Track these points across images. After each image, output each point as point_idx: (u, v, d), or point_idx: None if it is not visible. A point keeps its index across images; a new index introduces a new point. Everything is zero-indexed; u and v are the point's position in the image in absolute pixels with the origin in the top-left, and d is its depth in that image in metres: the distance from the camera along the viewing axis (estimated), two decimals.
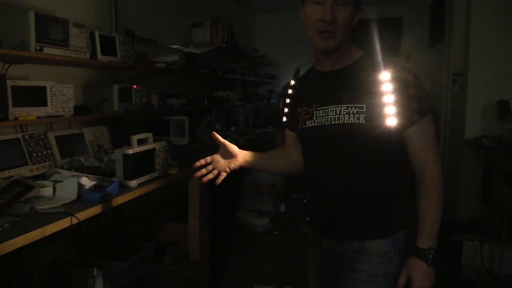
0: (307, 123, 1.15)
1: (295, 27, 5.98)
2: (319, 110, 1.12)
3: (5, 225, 1.22)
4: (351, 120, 1.06)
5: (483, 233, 2.64)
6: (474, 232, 2.74)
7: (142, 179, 1.79)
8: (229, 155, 1.30)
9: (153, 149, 1.87)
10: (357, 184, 1.10)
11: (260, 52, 5.45)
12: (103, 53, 2.23)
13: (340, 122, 1.07)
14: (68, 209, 1.40)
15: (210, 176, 1.29)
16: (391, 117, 1.04)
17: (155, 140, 1.91)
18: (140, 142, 1.83)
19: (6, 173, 1.69)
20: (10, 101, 1.74)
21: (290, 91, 1.25)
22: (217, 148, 1.33)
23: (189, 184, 2.37)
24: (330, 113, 1.10)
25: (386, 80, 1.04)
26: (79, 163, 1.97)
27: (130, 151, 1.71)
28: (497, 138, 2.90)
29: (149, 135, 1.89)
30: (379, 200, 1.11)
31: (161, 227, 2.67)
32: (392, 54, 5.59)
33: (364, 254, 1.11)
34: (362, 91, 1.07)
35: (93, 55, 2.19)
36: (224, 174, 1.30)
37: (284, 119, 1.28)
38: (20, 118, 1.78)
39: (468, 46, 3.27)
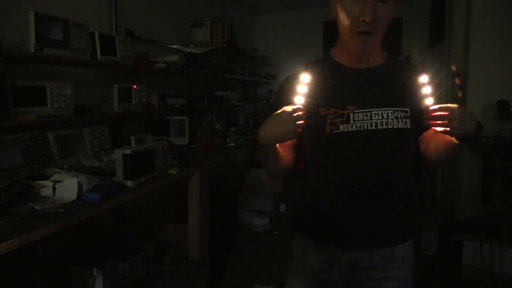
0: (341, 127, 1.01)
1: (295, 27, 5.99)
2: (358, 112, 1.01)
3: (5, 225, 1.22)
4: (400, 125, 1.00)
5: (483, 233, 2.64)
6: (474, 232, 2.74)
7: (142, 179, 1.79)
8: None
9: (153, 149, 1.87)
10: (394, 189, 1.06)
11: (260, 52, 5.45)
12: (103, 53, 2.23)
13: (389, 127, 1.00)
14: (68, 209, 1.40)
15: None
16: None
17: (155, 140, 1.91)
18: (140, 142, 1.83)
19: (6, 173, 1.69)
20: (10, 101, 1.74)
21: (303, 89, 1.02)
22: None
23: (189, 184, 2.37)
24: (375, 116, 1.00)
25: (426, 83, 1.02)
26: (79, 163, 1.97)
27: (130, 151, 1.71)
28: (497, 138, 2.90)
29: (149, 135, 1.89)
30: (407, 203, 1.09)
31: (161, 227, 2.67)
32: (392, 54, 5.58)
33: (396, 261, 1.08)
34: (405, 93, 1.03)
35: (93, 55, 2.19)
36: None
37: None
38: (20, 118, 1.78)
39: (468, 46, 3.27)
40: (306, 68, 1.06)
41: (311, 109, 1.02)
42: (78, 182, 1.55)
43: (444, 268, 2.81)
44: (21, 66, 1.94)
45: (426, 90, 1.01)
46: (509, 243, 2.44)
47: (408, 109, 1.01)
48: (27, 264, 1.78)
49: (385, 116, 1.00)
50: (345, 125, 1.01)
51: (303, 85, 1.02)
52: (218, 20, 3.81)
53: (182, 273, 2.26)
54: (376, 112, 1.00)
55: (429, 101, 1.01)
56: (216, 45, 3.79)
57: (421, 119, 1.01)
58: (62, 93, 1.99)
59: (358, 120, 1.00)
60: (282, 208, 4.25)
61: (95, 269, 1.89)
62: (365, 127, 1.00)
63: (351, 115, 1.01)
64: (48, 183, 1.58)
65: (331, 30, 6.32)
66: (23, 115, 1.80)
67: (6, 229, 1.20)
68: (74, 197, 1.52)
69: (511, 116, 2.97)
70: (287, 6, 5.68)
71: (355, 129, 1.00)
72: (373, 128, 1.00)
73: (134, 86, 2.56)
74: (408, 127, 1.01)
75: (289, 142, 1.05)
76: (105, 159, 2.07)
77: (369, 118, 1.00)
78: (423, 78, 1.02)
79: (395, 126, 1.00)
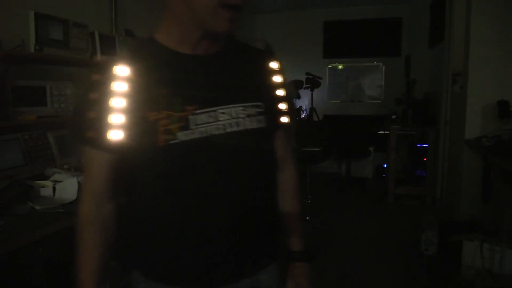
0: (179, 135, 0.75)
1: (295, 27, 5.99)
2: (200, 114, 0.77)
3: (5, 225, 1.22)
4: (254, 125, 0.80)
5: (483, 233, 2.64)
6: (474, 232, 2.74)
7: None
8: None
9: None
10: (254, 207, 0.83)
11: None
12: (103, 53, 2.23)
13: (240, 129, 0.79)
14: (68, 209, 1.40)
15: None
16: (284, 116, 0.89)
17: None
18: None
19: (6, 173, 1.69)
20: (10, 101, 1.74)
21: (120, 86, 0.75)
22: None
23: None
24: (222, 117, 0.78)
25: (276, 70, 0.88)
26: (79, 163, 1.97)
27: None
28: (497, 138, 2.90)
29: None
30: (272, 219, 0.91)
31: None
32: (392, 54, 5.60)
33: None
34: (255, 83, 0.84)
35: (93, 55, 2.19)
36: None
37: (115, 134, 0.75)
38: (20, 118, 1.78)
39: (468, 46, 3.27)
40: (121, 58, 0.79)
41: (135, 114, 0.76)
42: (78, 182, 1.55)
43: (444, 268, 2.81)
44: (21, 66, 1.94)
45: (277, 78, 0.87)
46: (509, 243, 2.44)
47: (260, 103, 0.82)
48: (27, 264, 1.78)
49: (234, 115, 0.79)
50: (185, 132, 0.75)
51: (121, 81, 0.75)
52: None
53: None
54: (223, 110, 0.78)
55: (280, 92, 0.88)
56: None
57: (274, 113, 0.87)
58: (62, 93, 1.99)
59: (201, 124, 0.76)
60: None
61: None
62: (212, 132, 0.77)
63: (191, 117, 0.76)
64: (48, 183, 1.58)
65: (331, 30, 6.37)
66: (23, 115, 1.80)
67: (6, 229, 1.21)
68: (74, 197, 1.52)
69: (511, 116, 2.97)
70: (287, 6, 5.68)
71: (199, 136, 0.76)
72: (222, 132, 0.77)
73: None
74: (263, 125, 0.82)
75: (104, 165, 0.81)
76: None
77: (214, 120, 0.77)
78: (273, 64, 0.88)
79: (248, 127, 0.79)
